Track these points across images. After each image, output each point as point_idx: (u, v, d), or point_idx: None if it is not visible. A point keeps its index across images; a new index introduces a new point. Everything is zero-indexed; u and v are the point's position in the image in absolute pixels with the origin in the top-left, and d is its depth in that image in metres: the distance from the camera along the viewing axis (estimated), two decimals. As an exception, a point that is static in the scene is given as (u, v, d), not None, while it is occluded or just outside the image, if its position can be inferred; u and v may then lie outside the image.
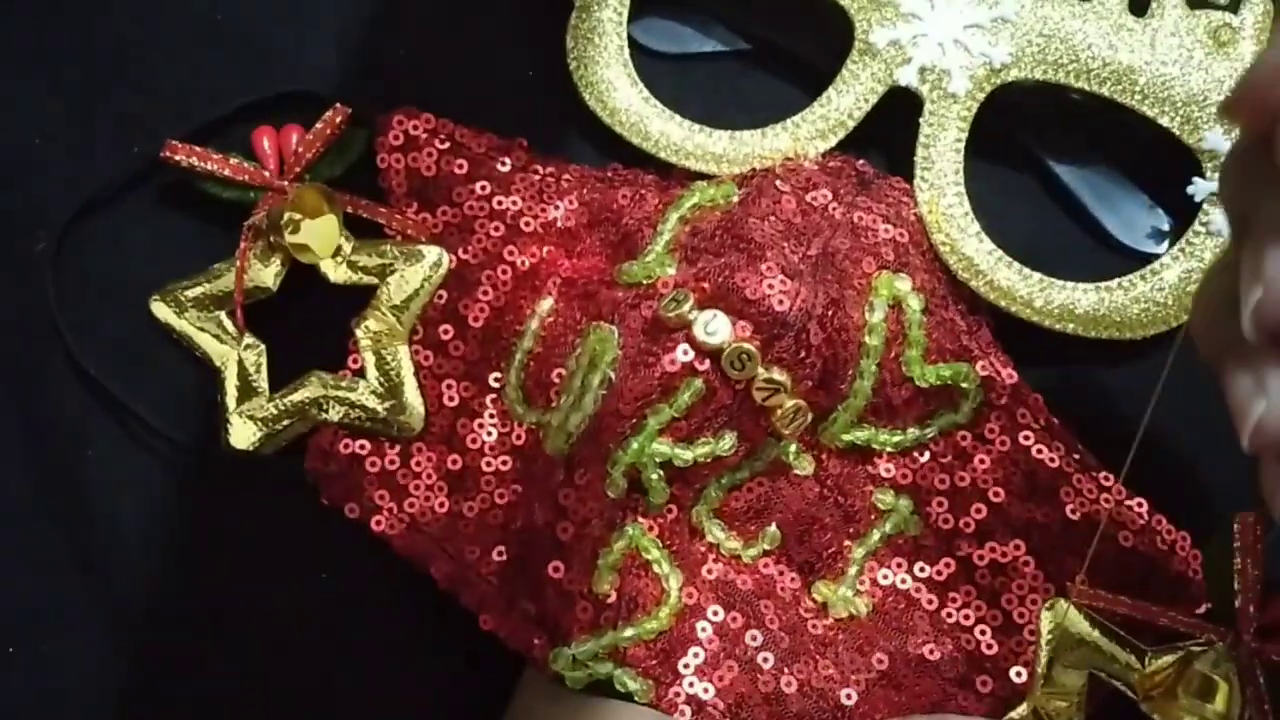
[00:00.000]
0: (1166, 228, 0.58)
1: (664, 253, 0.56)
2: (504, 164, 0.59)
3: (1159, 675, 0.52)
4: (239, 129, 0.59)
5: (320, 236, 0.57)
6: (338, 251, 0.58)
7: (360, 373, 0.58)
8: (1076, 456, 0.56)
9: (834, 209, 0.56)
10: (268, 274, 0.58)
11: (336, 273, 0.58)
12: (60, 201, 0.60)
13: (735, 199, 0.57)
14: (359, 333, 0.58)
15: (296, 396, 0.58)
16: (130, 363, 0.60)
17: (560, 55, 0.60)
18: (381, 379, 0.58)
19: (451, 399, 0.58)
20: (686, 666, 0.55)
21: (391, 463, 0.58)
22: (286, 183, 0.58)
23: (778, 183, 0.56)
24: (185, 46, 0.62)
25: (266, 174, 0.58)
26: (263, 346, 0.58)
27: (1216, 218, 0.56)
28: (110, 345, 0.60)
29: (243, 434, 0.58)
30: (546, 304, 0.58)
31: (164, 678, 0.60)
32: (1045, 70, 0.57)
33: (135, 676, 0.60)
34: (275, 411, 0.58)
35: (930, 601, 0.56)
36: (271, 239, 0.57)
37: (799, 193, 0.56)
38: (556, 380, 0.57)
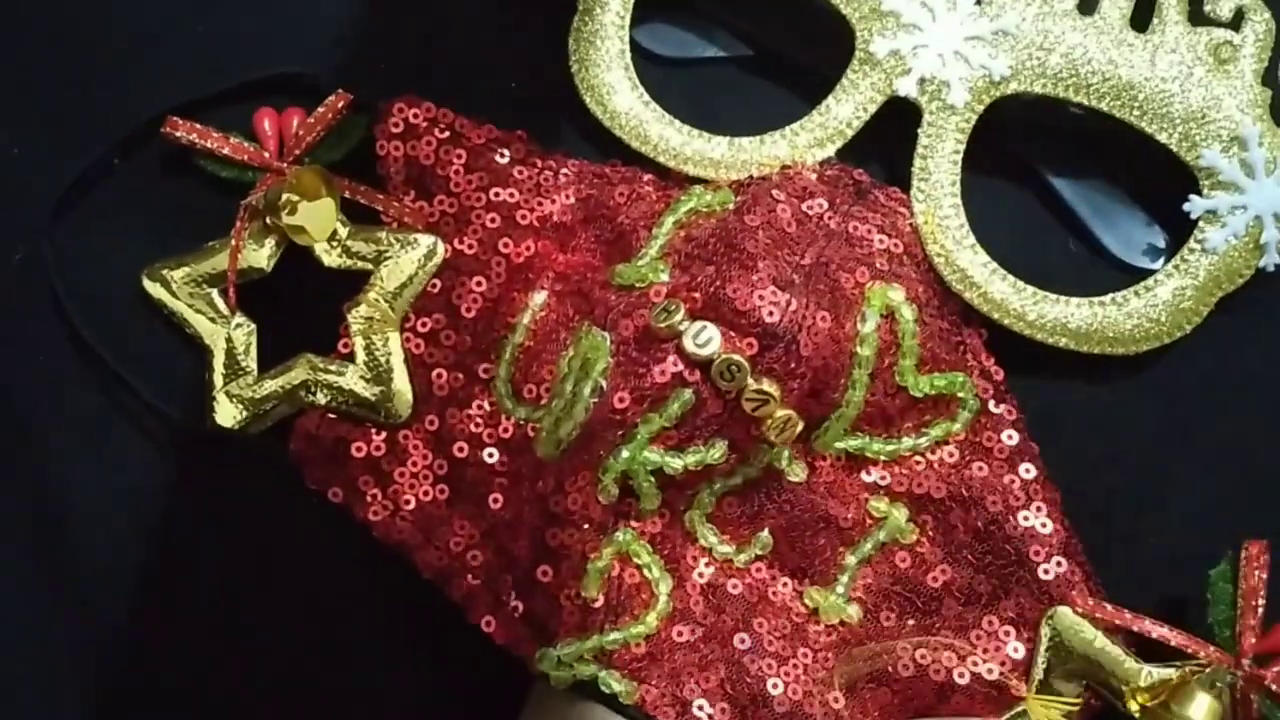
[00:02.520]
0: (1163, 244, 0.58)
1: (657, 257, 0.56)
2: (503, 155, 0.59)
3: (1153, 689, 0.53)
4: (240, 110, 0.59)
5: (317, 220, 0.57)
6: (333, 236, 0.58)
7: (350, 357, 0.58)
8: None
9: (829, 218, 0.56)
10: (262, 255, 0.58)
11: (331, 257, 0.58)
12: (53, 180, 0.60)
13: (731, 206, 0.57)
14: (351, 318, 0.58)
15: (284, 378, 0.58)
16: (122, 339, 0.60)
17: (563, 55, 0.60)
18: (371, 365, 0.57)
19: (441, 388, 0.58)
20: (675, 669, 0.54)
21: (377, 449, 0.58)
22: (286, 164, 0.58)
23: (774, 191, 0.57)
24: (186, 31, 0.62)
25: (266, 155, 0.58)
26: (253, 326, 0.58)
27: (1211, 235, 0.56)
28: (104, 321, 0.60)
29: (228, 413, 0.57)
30: (539, 298, 0.58)
31: (143, 663, 0.60)
32: (1044, 84, 0.57)
33: (112, 660, 0.60)
34: (262, 392, 0.57)
35: (925, 607, 0.56)
36: (268, 220, 0.58)
37: (795, 201, 0.56)
38: (547, 377, 0.57)
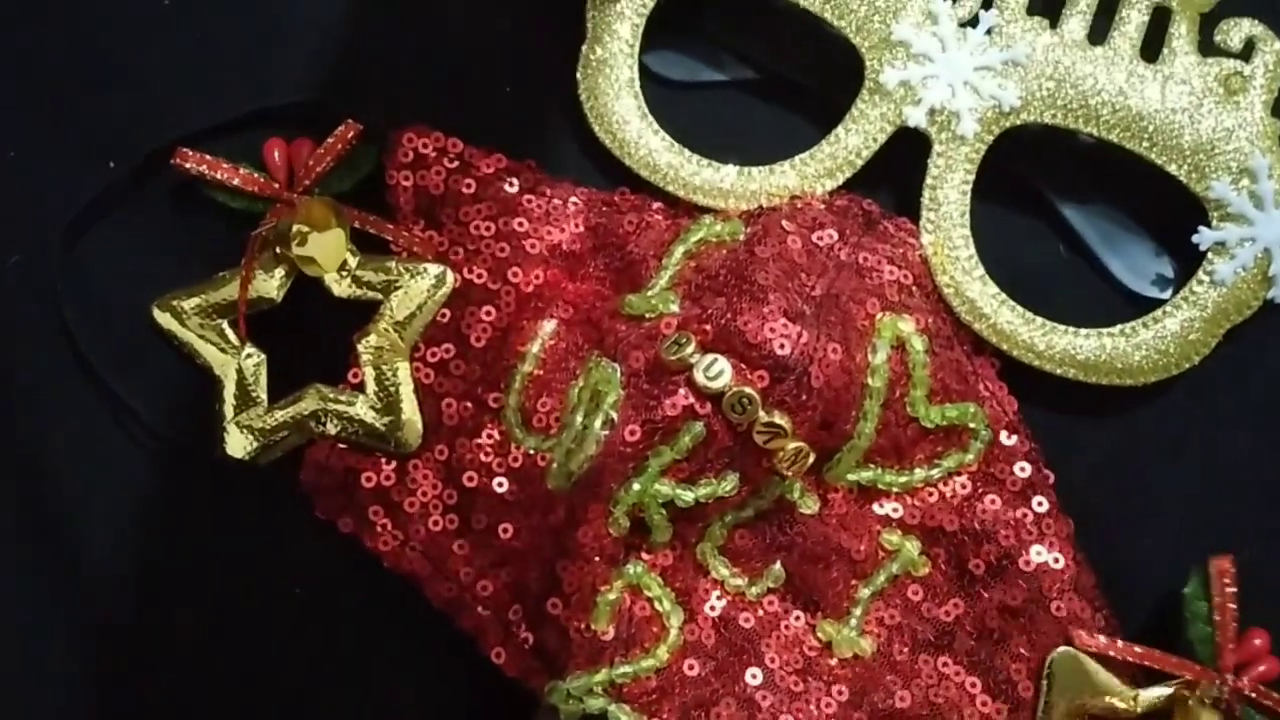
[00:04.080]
0: (1171, 274, 0.59)
1: (667, 288, 0.56)
2: (512, 185, 0.59)
3: (1150, 712, 0.55)
4: (249, 138, 0.59)
5: (326, 250, 0.57)
6: (343, 266, 0.58)
7: (360, 387, 0.58)
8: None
9: (839, 249, 0.56)
10: (272, 285, 0.58)
11: (341, 287, 0.58)
12: (60, 207, 0.60)
13: (741, 236, 0.57)
14: (360, 347, 0.58)
15: (295, 408, 0.58)
16: (131, 370, 0.60)
17: (573, 82, 0.60)
18: (381, 394, 0.58)
19: (450, 418, 0.58)
20: (686, 703, 0.54)
21: (387, 479, 0.58)
22: (295, 195, 0.58)
23: (784, 222, 0.57)
24: (187, 60, 0.62)
25: (276, 186, 0.58)
26: (263, 357, 0.58)
27: (1220, 268, 0.56)
28: (113, 352, 0.60)
29: (239, 443, 0.58)
30: (549, 327, 0.58)
31: (142, 675, 0.60)
32: (1055, 114, 0.57)
33: (114, 686, 0.60)
34: (272, 422, 0.58)
35: (937, 641, 0.56)
36: (278, 250, 0.58)
37: (804, 232, 0.56)
38: (557, 406, 0.57)
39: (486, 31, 0.62)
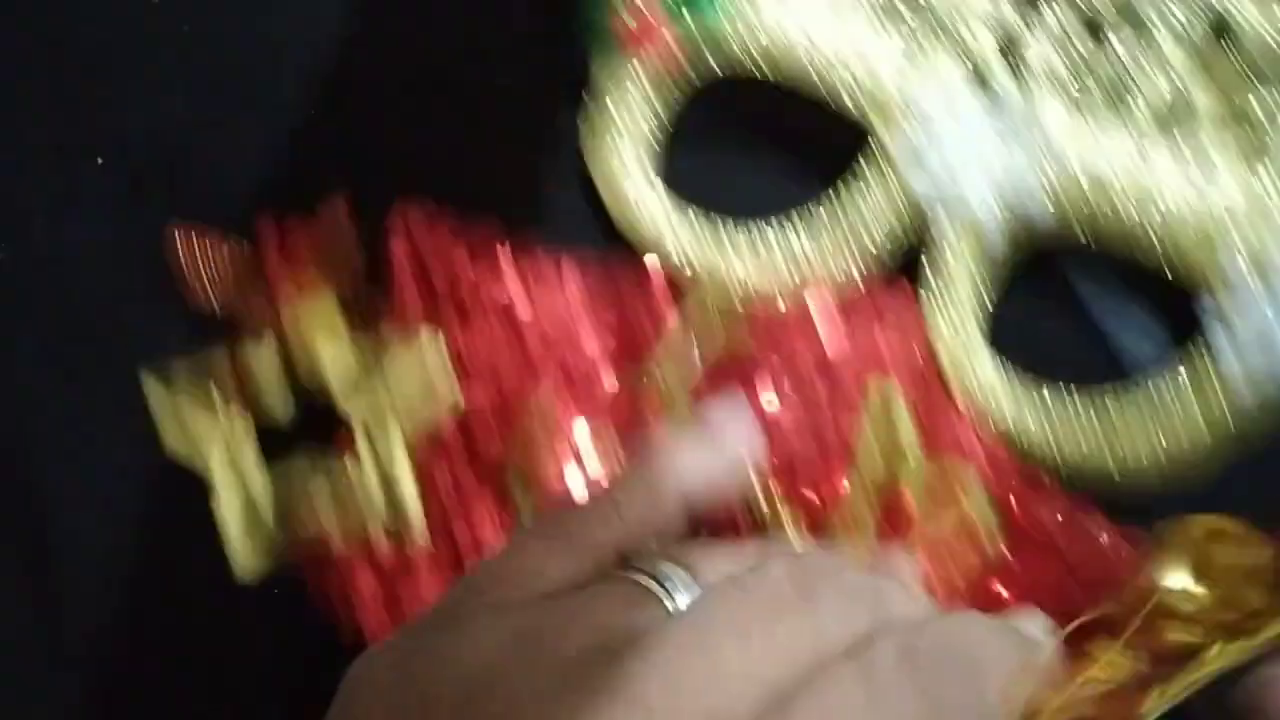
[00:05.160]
0: (1165, 339, 0.58)
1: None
2: (505, 252, 0.58)
3: None
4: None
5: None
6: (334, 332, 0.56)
7: (350, 455, 0.56)
8: None
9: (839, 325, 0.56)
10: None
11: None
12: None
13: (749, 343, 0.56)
14: (350, 410, 0.56)
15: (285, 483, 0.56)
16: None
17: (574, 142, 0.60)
18: (375, 462, 0.56)
19: (445, 485, 0.57)
20: None
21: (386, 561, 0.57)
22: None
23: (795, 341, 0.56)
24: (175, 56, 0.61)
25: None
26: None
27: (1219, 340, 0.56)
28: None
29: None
30: (543, 390, 0.57)
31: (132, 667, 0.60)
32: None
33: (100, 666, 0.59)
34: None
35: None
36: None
37: (815, 346, 0.56)
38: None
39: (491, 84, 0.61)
